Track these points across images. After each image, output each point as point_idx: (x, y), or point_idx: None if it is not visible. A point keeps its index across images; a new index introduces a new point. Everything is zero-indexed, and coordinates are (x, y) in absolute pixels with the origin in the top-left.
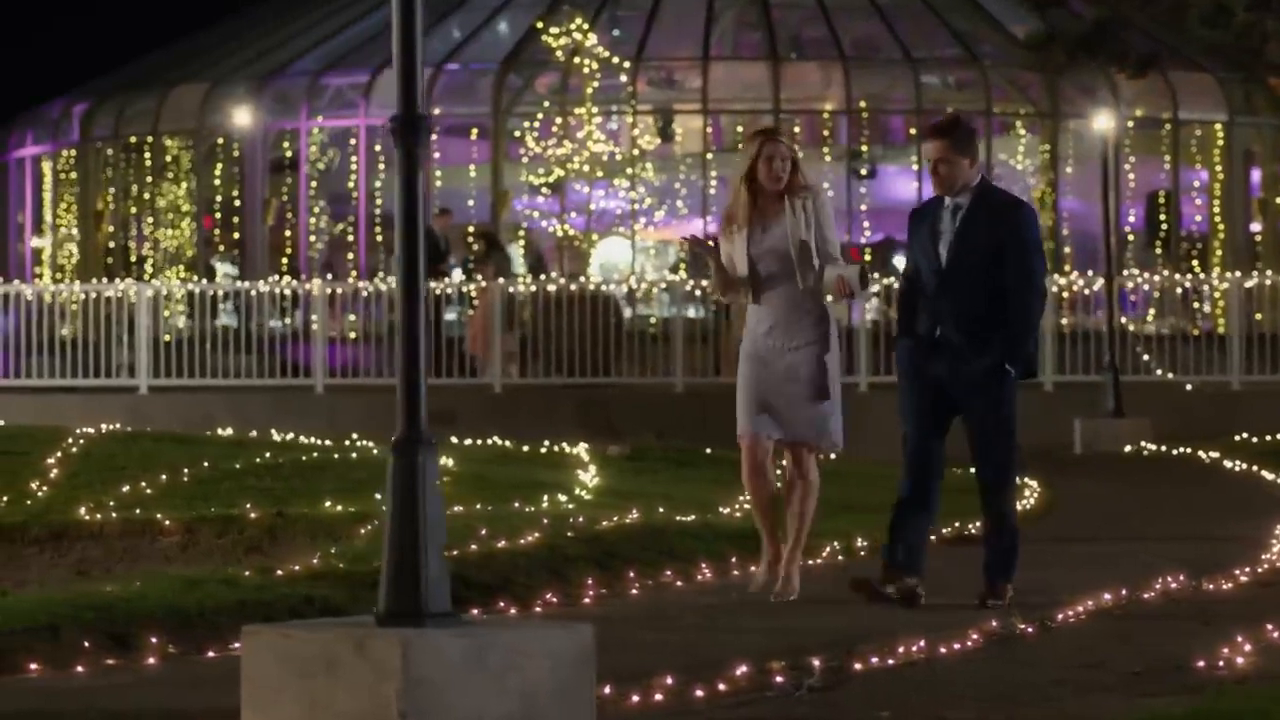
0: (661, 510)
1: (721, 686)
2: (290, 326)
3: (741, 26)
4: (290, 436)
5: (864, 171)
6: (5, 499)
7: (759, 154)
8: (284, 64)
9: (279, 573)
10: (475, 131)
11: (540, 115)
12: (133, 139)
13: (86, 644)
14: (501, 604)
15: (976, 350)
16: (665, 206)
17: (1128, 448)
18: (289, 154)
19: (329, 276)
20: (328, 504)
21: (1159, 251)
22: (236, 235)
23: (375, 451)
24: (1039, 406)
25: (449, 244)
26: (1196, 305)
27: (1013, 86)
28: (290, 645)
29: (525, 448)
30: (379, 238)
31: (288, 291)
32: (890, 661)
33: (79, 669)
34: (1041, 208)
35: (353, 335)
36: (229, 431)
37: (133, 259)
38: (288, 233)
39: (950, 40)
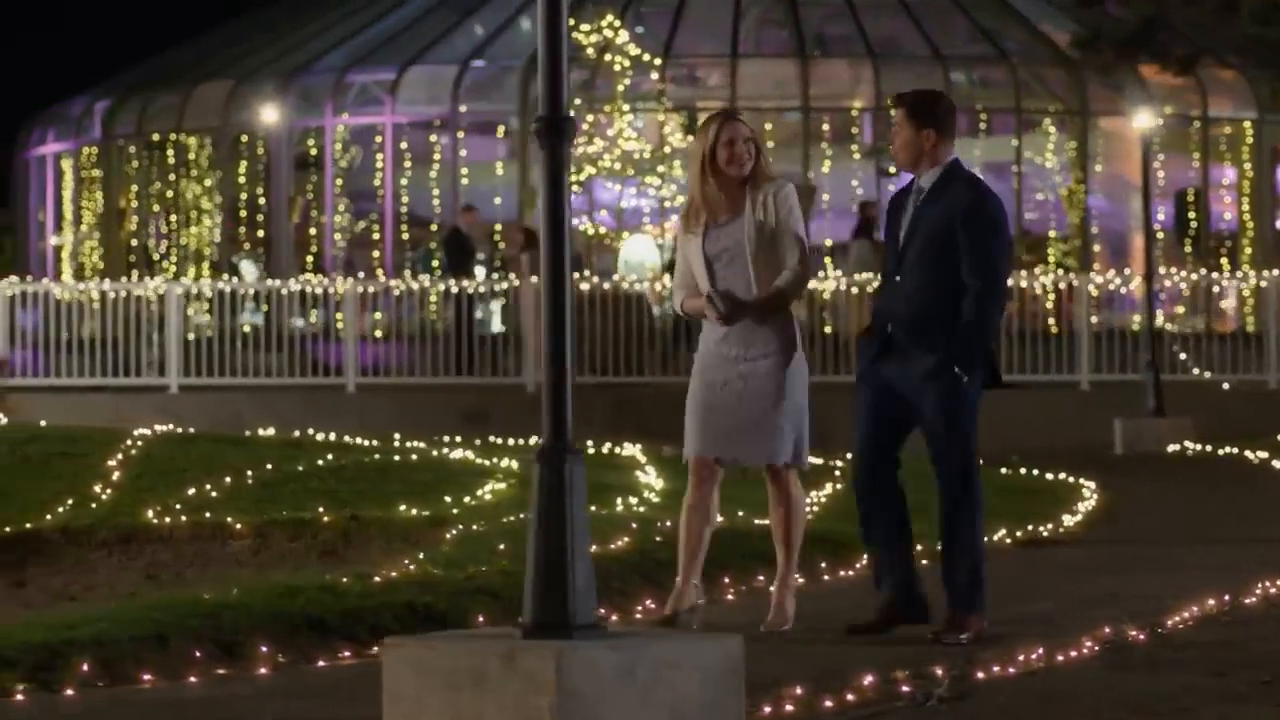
0: (740, 514)
1: (850, 697)
2: (316, 325)
3: (768, 24)
4: (350, 439)
5: (892, 169)
6: (70, 502)
7: (717, 137)
8: (309, 61)
9: (376, 579)
10: (502, 129)
11: (571, 112)
12: (155, 136)
13: (198, 653)
14: (601, 610)
15: (924, 349)
16: None
17: (1171, 448)
18: (314, 151)
19: (361, 274)
20: (401, 507)
21: (1188, 250)
22: (261, 233)
23: (435, 454)
24: (1075, 406)
25: (475, 242)
26: (1225, 303)
27: (1041, 84)
28: (434, 657)
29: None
30: (404, 235)
31: (320, 290)
32: (1011, 670)
33: (191, 679)
34: (1070, 205)
35: (377, 334)
36: (271, 431)
37: (155, 257)
38: (312, 230)
39: (978, 37)
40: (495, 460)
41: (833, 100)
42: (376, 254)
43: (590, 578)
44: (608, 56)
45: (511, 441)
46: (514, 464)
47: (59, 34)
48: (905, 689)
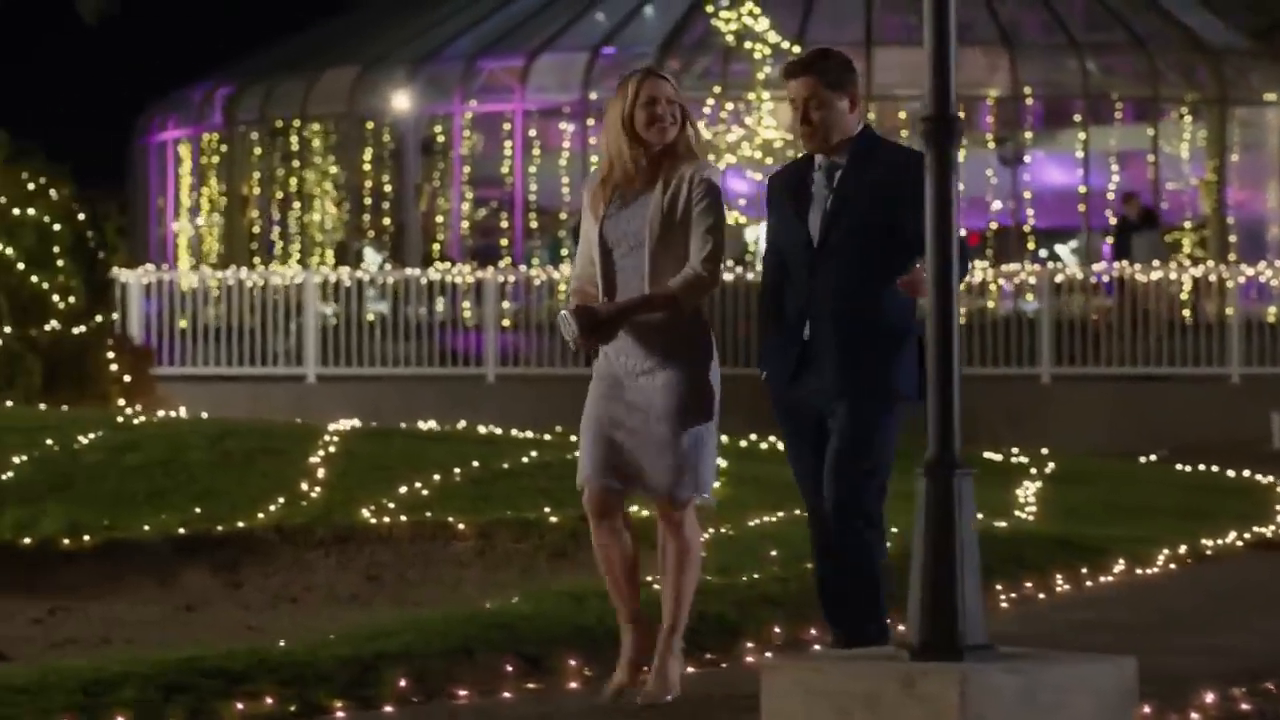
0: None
1: (1195, 716)
2: (445, 313)
3: (902, 11)
4: (547, 435)
5: (1026, 158)
6: (281, 500)
7: (636, 97)
8: (437, 47)
9: (656, 587)
10: None
11: (711, 100)
12: (279, 123)
13: (508, 667)
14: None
15: (853, 358)
16: None
17: None
18: (440, 138)
19: (500, 263)
20: (633, 509)
21: None
22: (386, 220)
23: None
24: (1226, 400)
25: None
26: None
27: (1178, 73)
28: (822, 680)
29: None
30: (533, 224)
31: (458, 279)
32: None
33: (504, 694)
34: (1206, 195)
35: (505, 323)
36: (432, 424)
37: (278, 244)
38: (439, 218)
39: (1113, 24)
40: None
41: (967, 89)
42: (505, 242)
43: (979, 595)
44: (748, 44)
45: None
46: (722, 462)
47: (177, 20)
48: (1244, 706)
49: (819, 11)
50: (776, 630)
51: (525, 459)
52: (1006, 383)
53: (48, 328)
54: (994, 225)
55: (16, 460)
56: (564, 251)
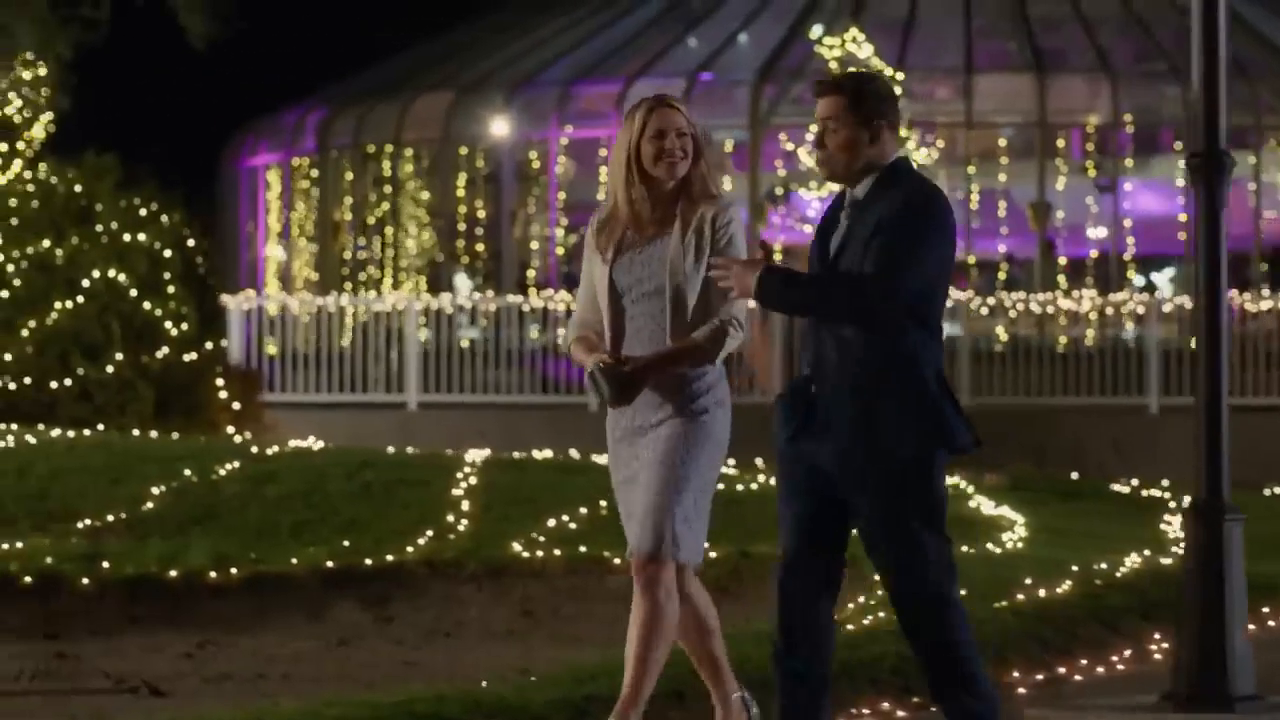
0: (1148, 554)
1: None
2: (543, 340)
3: (1000, 38)
4: None
5: (1128, 185)
6: (429, 533)
7: (643, 129)
8: (532, 73)
9: (849, 627)
10: (730, 143)
11: (813, 126)
12: (371, 148)
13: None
14: (1083, 661)
15: (863, 419)
16: None
17: None
18: (536, 164)
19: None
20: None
21: None
22: (479, 246)
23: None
24: None
25: None
26: None
27: (1276, 98)
28: None
29: None
30: None
31: (559, 306)
32: None
33: None
34: None
35: None
36: (547, 453)
37: (370, 270)
38: (534, 244)
39: None
40: None
41: (1070, 116)
42: None
43: (1248, 645)
44: (850, 70)
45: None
46: None
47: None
48: None
49: (917, 37)
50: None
51: None
52: (1113, 413)
53: (159, 354)
54: (1094, 254)
55: (156, 491)
56: None
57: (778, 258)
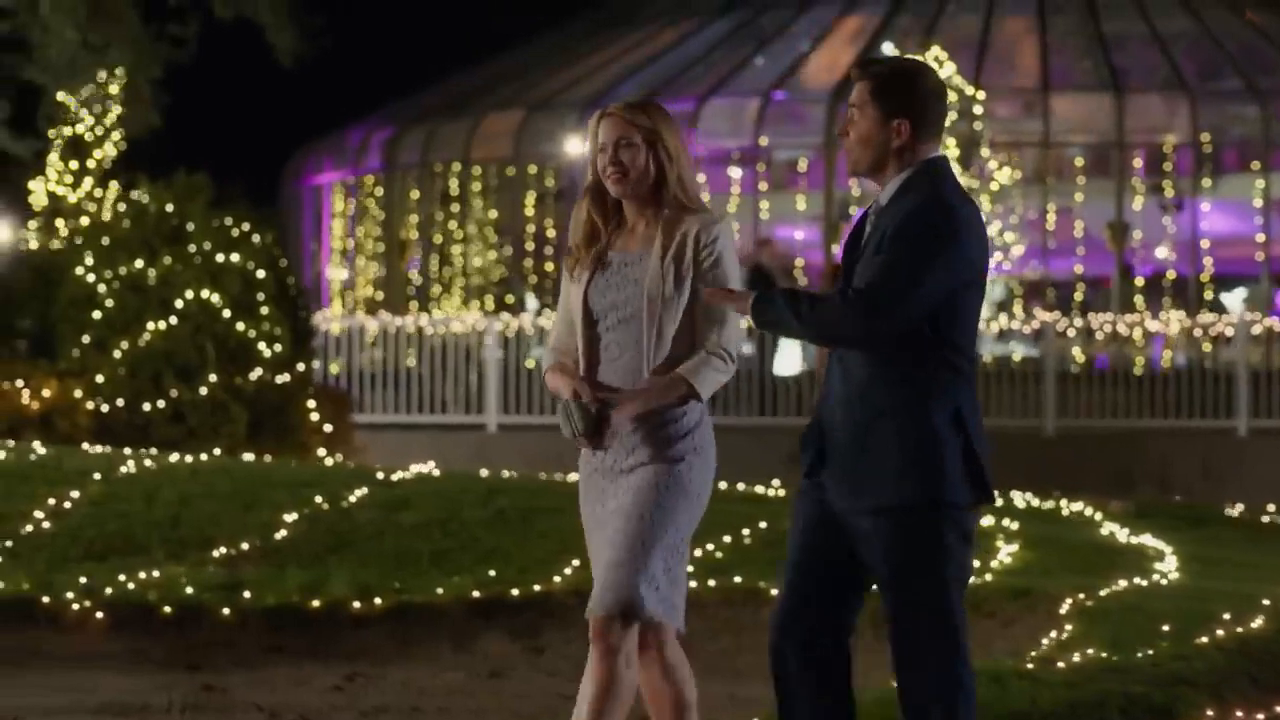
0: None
1: None
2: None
3: (1075, 56)
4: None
5: (1205, 205)
6: (575, 563)
7: (594, 143)
8: (602, 90)
9: (1060, 665)
10: (804, 161)
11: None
12: (438, 166)
13: None
14: None
15: (862, 461)
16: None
17: None
18: None
19: None
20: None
21: None
22: (548, 266)
23: None
24: None
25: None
26: None
27: None
28: None
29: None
30: None
31: None
32: None
33: None
34: None
35: None
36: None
37: (438, 288)
38: None
39: None
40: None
41: (1147, 135)
42: None
43: None
44: None
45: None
46: (1013, 524)
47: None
48: None
49: (993, 56)
50: (1210, 714)
51: None
52: (1201, 436)
53: (252, 376)
54: (1171, 274)
55: (288, 518)
56: None
57: None
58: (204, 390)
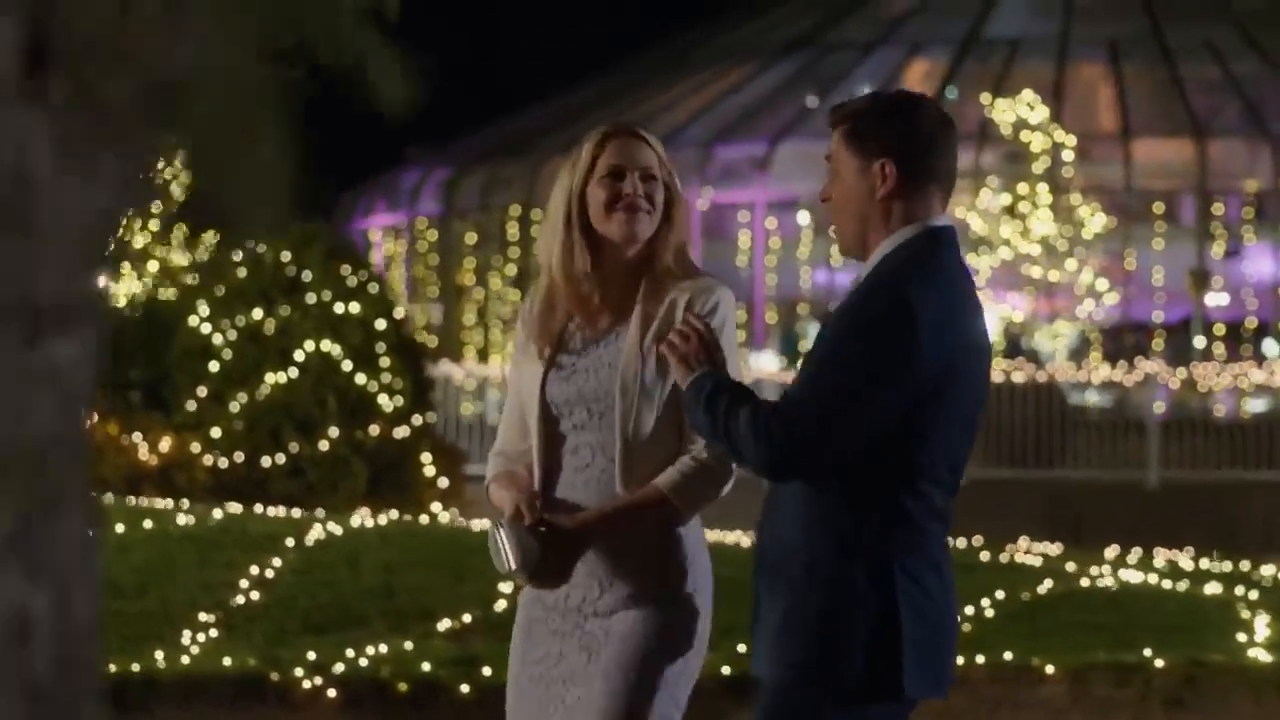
0: None
1: None
2: None
3: (1152, 99)
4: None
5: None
6: None
7: (592, 166)
8: (670, 131)
9: None
10: None
11: (984, 192)
12: (499, 210)
13: None
14: None
15: (766, 622)
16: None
17: None
18: None
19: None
20: (1249, 653)
21: None
22: None
23: (1174, 586)
24: None
25: None
26: None
27: None
28: None
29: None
30: (771, 318)
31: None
32: None
33: None
34: None
35: None
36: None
37: (498, 332)
38: None
39: None
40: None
41: (1227, 181)
42: (742, 335)
43: None
44: (1023, 135)
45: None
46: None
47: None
48: None
49: (1071, 98)
50: None
51: (1043, 589)
52: (1266, 489)
53: (373, 430)
54: (1252, 321)
55: (505, 589)
56: (800, 345)
57: None
58: (324, 445)
